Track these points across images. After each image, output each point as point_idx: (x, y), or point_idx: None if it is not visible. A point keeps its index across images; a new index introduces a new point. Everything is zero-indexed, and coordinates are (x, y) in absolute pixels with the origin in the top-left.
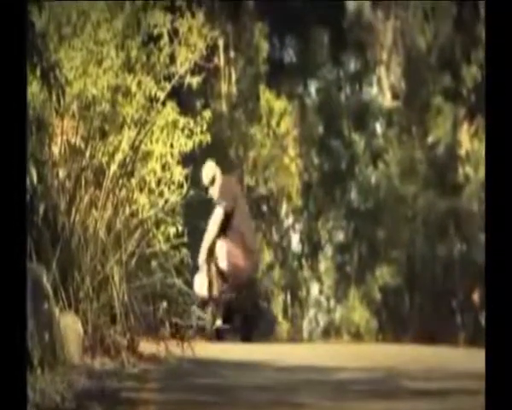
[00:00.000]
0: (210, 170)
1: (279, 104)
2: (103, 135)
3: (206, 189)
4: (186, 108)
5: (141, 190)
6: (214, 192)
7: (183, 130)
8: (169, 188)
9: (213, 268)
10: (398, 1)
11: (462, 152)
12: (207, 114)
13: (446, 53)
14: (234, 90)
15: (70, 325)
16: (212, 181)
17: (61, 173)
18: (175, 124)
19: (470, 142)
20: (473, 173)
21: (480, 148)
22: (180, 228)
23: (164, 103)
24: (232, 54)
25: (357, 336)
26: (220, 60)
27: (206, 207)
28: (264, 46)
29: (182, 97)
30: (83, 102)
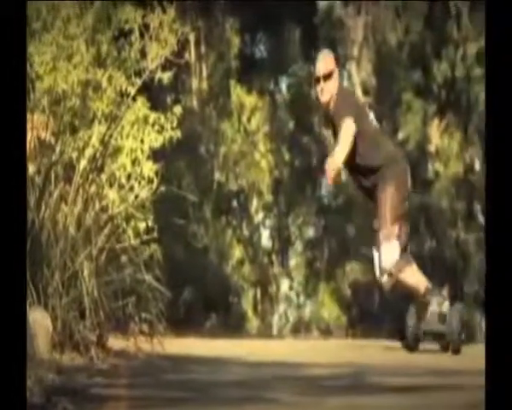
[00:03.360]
0: (329, 60)
1: (250, 100)
2: (73, 130)
3: (317, 80)
4: (157, 104)
5: (111, 185)
6: (325, 91)
7: (153, 125)
8: (139, 183)
9: None
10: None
11: (432, 148)
12: (178, 109)
13: (417, 50)
14: (205, 85)
15: (39, 321)
16: (329, 75)
17: (31, 169)
18: (145, 119)
19: (440, 138)
20: (442, 169)
21: (450, 144)
22: (150, 223)
23: (134, 98)
24: (203, 49)
25: (326, 332)
26: (191, 55)
27: (177, 202)
28: (236, 42)
29: (152, 93)
30: (53, 97)
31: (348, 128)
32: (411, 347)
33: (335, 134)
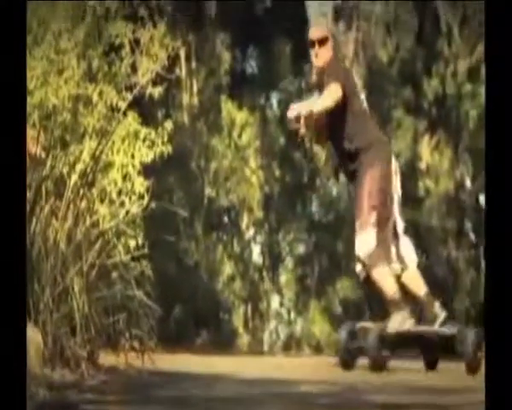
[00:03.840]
0: (323, 26)
1: (241, 115)
2: (64, 145)
3: (311, 44)
4: (147, 119)
5: (101, 200)
6: (320, 56)
7: (144, 140)
8: (130, 199)
9: None
10: (360, 13)
11: (423, 165)
12: (169, 124)
13: (408, 66)
14: (195, 100)
15: (29, 337)
16: (323, 41)
17: None
18: (136, 134)
19: (431, 155)
20: (433, 187)
21: (440, 161)
22: (141, 239)
23: (125, 113)
24: (194, 64)
25: (317, 349)
26: (182, 70)
27: (168, 218)
28: (227, 57)
29: (143, 108)
30: (44, 111)
31: (333, 90)
32: (345, 364)
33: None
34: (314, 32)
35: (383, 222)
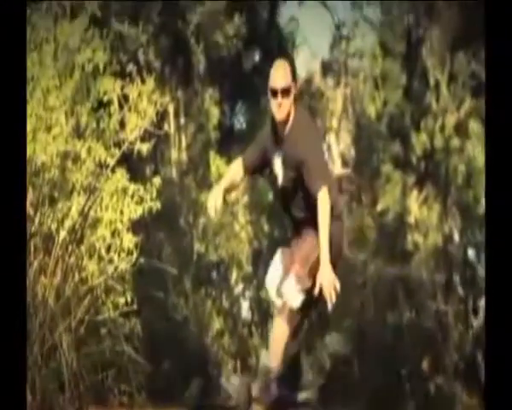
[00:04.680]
0: (287, 72)
1: None
2: (52, 201)
3: (273, 93)
4: (136, 175)
5: (90, 256)
6: (283, 107)
7: (132, 196)
8: (119, 255)
9: None
10: (349, 69)
11: (412, 220)
12: (157, 180)
13: (396, 121)
14: (184, 156)
15: None
16: (287, 91)
17: None
18: (125, 190)
19: (419, 209)
20: (422, 241)
21: (429, 215)
22: (130, 295)
23: (113, 170)
24: (182, 120)
25: None
26: (170, 126)
27: (157, 274)
28: (215, 112)
29: (132, 164)
30: (32, 168)
31: (325, 199)
32: None
33: (284, 161)
34: (278, 80)
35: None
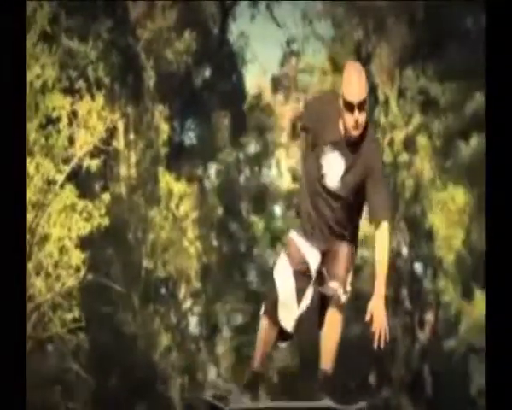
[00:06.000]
0: (365, 83)
1: (179, 187)
2: None
3: (348, 107)
4: (85, 191)
5: (37, 273)
6: (360, 123)
7: (81, 213)
8: (66, 271)
9: None
10: (298, 84)
11: (360, 235)
12: (106, 196)
13: None
14: (133, 172)
15: None
16: (363, 104)
17: None
18: (73, 207)
19: (368, 224)
20: (370, 255)
21: None
22: (77, 312)
23: (62, 186)
24: (132, 136)
25: None
26: (120, 142)
27: (105, 290)
28: (165, 128)
29: (80, 180)
30: None
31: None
32: None
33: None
34: (357, 92)
35: None
